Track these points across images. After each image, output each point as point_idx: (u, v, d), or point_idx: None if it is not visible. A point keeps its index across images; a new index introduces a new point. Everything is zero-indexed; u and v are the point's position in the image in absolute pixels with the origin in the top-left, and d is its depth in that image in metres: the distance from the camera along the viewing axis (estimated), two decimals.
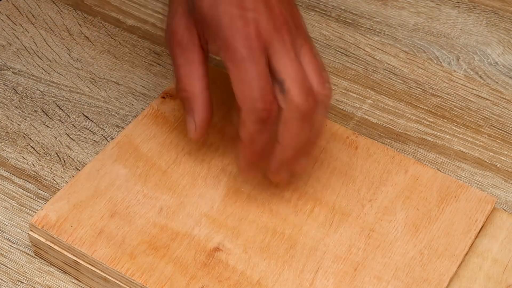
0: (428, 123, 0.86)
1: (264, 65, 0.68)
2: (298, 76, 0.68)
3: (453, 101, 0.88)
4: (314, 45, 0.72)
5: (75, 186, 0.73)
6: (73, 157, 0.79)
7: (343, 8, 0.96)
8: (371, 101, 0.88)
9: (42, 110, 0.83)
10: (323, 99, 0.70)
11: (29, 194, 0.76)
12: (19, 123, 0.82)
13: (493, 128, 0.86)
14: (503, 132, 0.85)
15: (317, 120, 0.71)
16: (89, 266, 0.69)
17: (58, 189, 0.77)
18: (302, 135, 0.70)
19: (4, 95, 0.84)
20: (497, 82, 0.90)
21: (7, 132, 0.81)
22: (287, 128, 0.69)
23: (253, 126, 0.68)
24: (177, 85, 0.72)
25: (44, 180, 0.78)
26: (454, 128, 0.86)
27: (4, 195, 0.76)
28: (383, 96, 0.88)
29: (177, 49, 0.71)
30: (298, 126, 0.69)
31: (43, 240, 0.70)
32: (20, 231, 0.74)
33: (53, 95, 0.84)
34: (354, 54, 0.92)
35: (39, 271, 0.72)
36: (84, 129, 0.82)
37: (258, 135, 0.69)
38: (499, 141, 0.85)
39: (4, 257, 0.72)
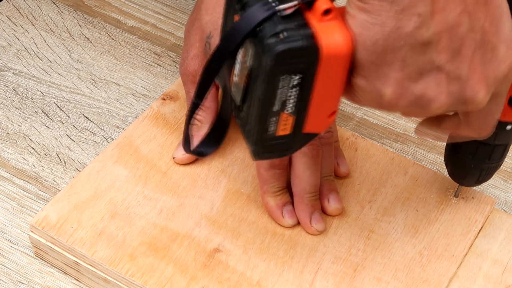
0: None
1: None
2: None
3: None
4: None
5: (76, 187, 0.73)
6: (73, 158, 0.80)
7: None
8: None
9: (43, 111, 0.83)
10: (327, 142, 0.73)
11: (29, 195, 0.77)
12: (19, 124, 0.82)
13: None
14: None
15: (325, 160, 0.73)
16: (90, 267, 0.69)
17: (59, 190, 0.77)
18: (312, 178, 0.71)
19: (5, 96, 0.84)
20: None
21: (8, 133, 0.81)
22: (295, 172, 0.71)
23: (266, 172, 0.71)
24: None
25: (44, 181, 0.78)
26: None
27: (4, 196, 0.76)
28: None
29: (191, 85, 0.76)
30: (305, 170, 0.71)
31: (43, 241, 0.71)
32: (21, 232, 0.74)
33: (53, 96, 0.84)
34: None
35: (40, 272, 0.72)
36: (85, 130, 0.82)
37: (274, 180, 0.72)
38: None
39: (5, 258, 0.72)
